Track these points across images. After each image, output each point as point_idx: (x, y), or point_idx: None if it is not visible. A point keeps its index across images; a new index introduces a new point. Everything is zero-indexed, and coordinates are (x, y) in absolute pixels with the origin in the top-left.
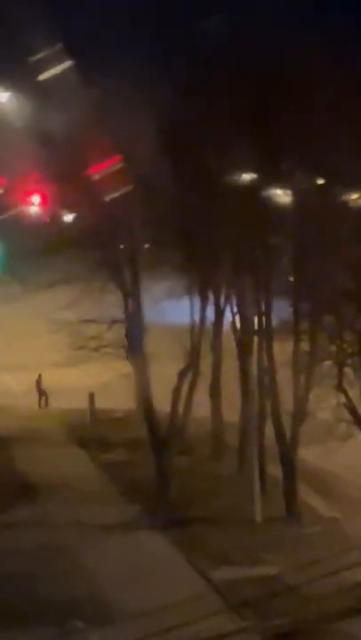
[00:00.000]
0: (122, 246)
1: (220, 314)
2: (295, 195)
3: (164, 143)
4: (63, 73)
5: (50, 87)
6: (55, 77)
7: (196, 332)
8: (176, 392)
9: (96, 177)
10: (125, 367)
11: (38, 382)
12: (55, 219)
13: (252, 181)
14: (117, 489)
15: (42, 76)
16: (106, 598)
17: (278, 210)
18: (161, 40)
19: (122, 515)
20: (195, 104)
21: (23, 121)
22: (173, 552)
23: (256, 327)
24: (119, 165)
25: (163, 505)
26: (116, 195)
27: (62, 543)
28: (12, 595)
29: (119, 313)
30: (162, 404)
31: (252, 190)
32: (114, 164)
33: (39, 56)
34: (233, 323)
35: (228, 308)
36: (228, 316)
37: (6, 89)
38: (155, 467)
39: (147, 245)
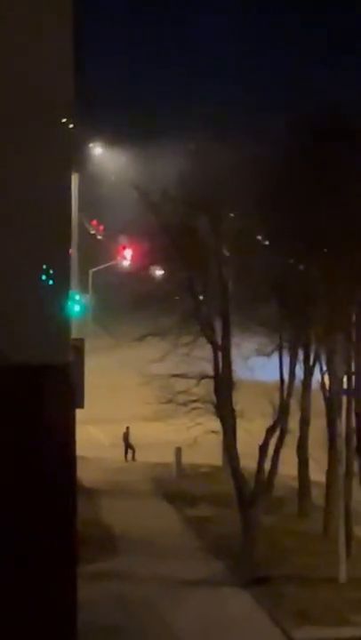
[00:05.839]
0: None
1: (309, 371)
2: None
3: (262, 200)
4: None
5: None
6: None
7: (284, 389)
8: (263, 449)
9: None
10: (213, 422)
11: (125, 435)
12: (146, 273)
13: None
14: (202, 544)
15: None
16: None
17: None
18: None
19: (205, 570)
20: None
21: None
22: (257, 609)
23: (345, 386)
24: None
25: (247, 562)
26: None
27: (145, 596)
28: None
29: (208, 368)
30: (249, 460)
31: (345, 249)
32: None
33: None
34: (322, 381)
35: (317, 366)
36: (317, 375)
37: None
38: (240, 523)
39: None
